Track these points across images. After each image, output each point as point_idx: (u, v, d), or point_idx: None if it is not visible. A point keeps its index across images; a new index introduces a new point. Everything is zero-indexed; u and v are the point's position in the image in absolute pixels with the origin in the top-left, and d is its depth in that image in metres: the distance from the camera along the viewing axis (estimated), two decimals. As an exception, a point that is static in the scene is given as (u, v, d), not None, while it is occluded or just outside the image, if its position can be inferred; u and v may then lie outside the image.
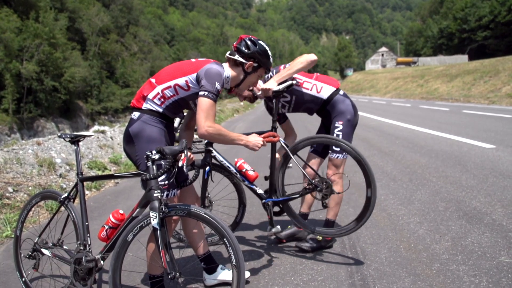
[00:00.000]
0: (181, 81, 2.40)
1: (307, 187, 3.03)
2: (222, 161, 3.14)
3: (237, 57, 2.57)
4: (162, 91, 2.42)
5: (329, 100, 3.21)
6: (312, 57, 3.06)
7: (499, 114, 13.85)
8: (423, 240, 3.34)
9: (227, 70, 2.58)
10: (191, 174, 2.60)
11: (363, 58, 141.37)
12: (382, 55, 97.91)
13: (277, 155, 3.28)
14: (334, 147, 3.13)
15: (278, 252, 3.32)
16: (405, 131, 10.67)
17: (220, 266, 2.80)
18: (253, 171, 3.14)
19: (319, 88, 3.22)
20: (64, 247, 2.61)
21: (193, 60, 2.54)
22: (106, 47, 59.35)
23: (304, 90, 3.22)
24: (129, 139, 2.43)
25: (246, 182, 3.09)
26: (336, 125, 3.16)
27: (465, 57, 62.52)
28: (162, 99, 2.43)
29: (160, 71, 2.54)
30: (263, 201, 3.12)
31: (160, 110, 2.44)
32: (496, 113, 14.33)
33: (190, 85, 2.41)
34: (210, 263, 2.76)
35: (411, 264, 2.91)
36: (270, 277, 2.86)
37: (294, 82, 3.04)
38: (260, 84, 3.11)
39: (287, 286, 2.72)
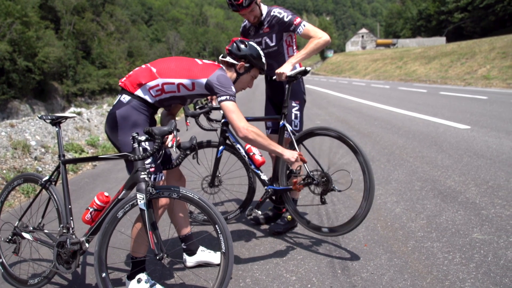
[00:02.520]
0: (187, 81, 2.39)
1: (305, 179, 2.96)
2: (234, 142, 3.18)
3: (228, 58, 2.63)
4: (162, 84, 2.38)
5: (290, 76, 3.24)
6: (327, 38, 3.06)
7: (475, 95, 14.14)
8: (399, 218, 3.41)
9: (227, 74, 2.57)
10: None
11: (343, 39, 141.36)
12: (362, 36, 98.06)
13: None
14: (293, 128, 3.17)
15: (258, 232, 3.36)
16: (383, 112, 10.80)
17: (200, 248, 2.81)
18: (261, 156, 3.17)
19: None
20: (45, 230, 2.57)
21: (198, 61, 2.51)
22: (81, 26, 57.58)
23: (286, 52, 3.26)
24: (113, 121, 2.36)
25: (252, 166, 3.13)
26: (293, 104, 3.20)
27: (443, 39, 63.28)
28: (159, 92, 2.39)
29: (162, 62, 2.47)
30: (265, 187, 3.14)
31: (152, 101, 2.40)
32: (472, 94, 14.63)
33: (196, 87, 2.42)
34: (191, 244, 2.77)
35: (387, 242, 2.98)
36: (250, 257, 2.89)
37: (309, 69, 3.01)
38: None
39: (267, 265, 2.76)
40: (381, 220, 3.40)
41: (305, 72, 2.98)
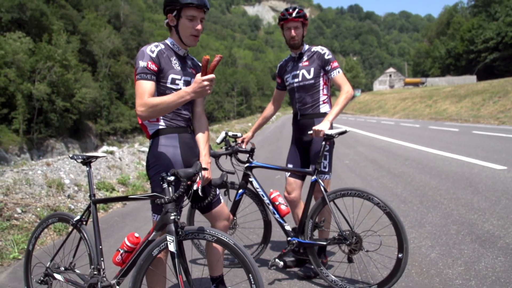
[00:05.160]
0: None
1: (337, 237, 2.91)
2: (257, 188, 3.20)
3: (164, 20, 2.44)
4: None
5: (322, 115, 3.24)
6: (352, 91, 3.17)
7: (510, 134, 13.71)
8: (435, 264, 3.26)
9: (169, 40, 2.47)
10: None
11: (370, 78, 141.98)
12: (390, 75, 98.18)
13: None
14: (322, 169, 3.12)
15: (288, 277, 3.26)
16: (414, 152, 10.59)
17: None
18: (286, 206, 3.17)
19: (327, 100, 3.32)
20: (77, 271, 2.57)
21: None
22: (116, 69, 60.31)
23: (322, 90, 3.27)
24: (147, 165, 2.41)
25: (277, 216, 3.15)
26: (325, 144, 3.03)
27: (474, 77, 62.47)
28: None
29: None
30: (289, 238, 3.11)
31: (162, 125, 2.38)
32: (507, 133, 14.20)
33: None
34: (222, 286, 2.71)
35: (423, 290, 2.83)
36: (279, 302, 2.80)
37: (347, 130, 3.07)
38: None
39: (296, 311, 2.66)
40: (415, 266, 3.25)
41: (343, 133, 2.99)
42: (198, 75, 2.06)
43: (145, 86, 2.21)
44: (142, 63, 2.24)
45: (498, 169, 7.11)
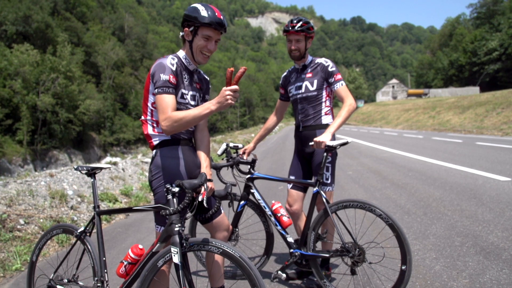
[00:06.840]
0: (151, 98, 2.34)
1: (339, 249, 2.90)
2: (259, 199, 3.19)
3: (180, 34, 2.48)
4: (152, 119, 2.38)
5: (324, 127, 3.22)
6: (355, 104, 3.17)
7: (514, 146, 13.65)
8: (439, 277, 3.23)
9: (181, 53, 2.49)
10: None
11: (373, 89, 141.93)
12: (393, 86, 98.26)
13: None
14: (324, 180, 3.11)
15: (290, 288, 3.24)
16: (418, 163, 10.55)
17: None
18: (288, 217, 3.16)
19: (329, 112, 3.30)
20: (80, 283, 2.56)
21: None
22: (120, 80, 60.80)
23: (324, 102, 3.26)
24: (150, 176, 2.42)
25: (279, 227, 3.14)
26: (326, 155, 3.01)
27: (477, 88, 62.43)
28: (159, 125, 2.35)
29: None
30: (291, 250, 3.10)
31: (167, 136, 2.39)
32: (511, 145, 14.14)
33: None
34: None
35: (428, 303, 2.80)
36: (282, 315, 2.78)
37: (349, 141, 3.07)
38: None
39: (299, 324, 2.64)
40: (420, 278, 3.22)
41: (344, 144, 2.98)
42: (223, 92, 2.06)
43: (168, 100, 2.23)
44: (164, 77, 2.25)
45: (502, 180, 7.07)
